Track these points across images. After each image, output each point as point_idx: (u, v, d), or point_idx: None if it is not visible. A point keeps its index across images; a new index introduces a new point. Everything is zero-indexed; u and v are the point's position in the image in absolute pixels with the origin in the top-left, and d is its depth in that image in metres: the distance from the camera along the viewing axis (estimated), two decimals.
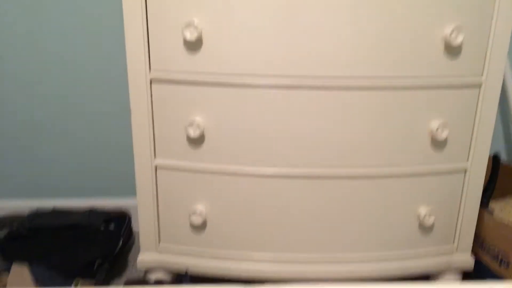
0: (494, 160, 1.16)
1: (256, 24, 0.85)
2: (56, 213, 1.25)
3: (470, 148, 0.97)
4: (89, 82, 1.29)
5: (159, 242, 1.05)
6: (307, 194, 0.96)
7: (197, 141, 0.94)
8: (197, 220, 0.98)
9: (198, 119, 0.91)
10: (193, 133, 0.91)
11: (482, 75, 0.91)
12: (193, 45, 0.87)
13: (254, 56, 0.87)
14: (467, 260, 1.05)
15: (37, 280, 1.06)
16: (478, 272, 1.08)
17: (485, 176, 1.00)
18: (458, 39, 0.85)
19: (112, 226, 1.22)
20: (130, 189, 1.31)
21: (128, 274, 1.20)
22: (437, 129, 0.91)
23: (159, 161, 0.97)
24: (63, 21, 1.23)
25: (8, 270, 1.09)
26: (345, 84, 0.88)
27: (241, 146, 0.93)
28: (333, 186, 0.95)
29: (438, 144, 0.95)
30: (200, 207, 0.99)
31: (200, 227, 1.01)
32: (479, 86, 0.92)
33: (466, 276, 1.09)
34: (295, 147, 0.93)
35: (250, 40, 0.86)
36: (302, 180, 0.95)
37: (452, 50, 0.88)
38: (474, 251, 1.07)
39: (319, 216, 0.98)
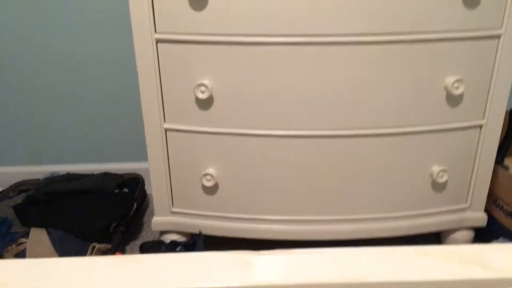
0: (511, 116, 1.13)
1: None
2: (71, 177, 1.27)
3: (486, 104, 0.94)
4: (99, 49, 1.27)
5: (172, 205, 1.06)
6: (318, 154, 0.95)
7: (206, 103, 0.93)
8: (209, 183, 0.99)
9: (206, 81, 0.90)
10: (202, 95, 0.90)
11: (501, 27, 0.87)
12: (199, 3, 0.84)
13: (261, 14, 0.84)
14: (480, 218, 1.05)
15: (55, 243, 1.09)
16: (490, 228, 1.07)
17: (501, 132, 0.97)
18: None
19: (126, 190, 1.24)
20: (142, 154, 1.32)
21: (143, 236, 1.22)
22: (453, 84, 0.88)
23: (168, 124, 0.96)
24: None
25: (26, 234, 1.12)
26: (355, 40, 0.85)
27: (250, 107, 0.92)
28: (345, 146, 0.94)
29: (453, 100, 0.92)
30: (211, 170, 0.99)
31: (211, 190, 1.02)
32: (497, 37, 0.88)
33: (478, 232, 1.09)
34: (304, 107, 0.91)
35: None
36: (312, 140, 0.94)
37: (471, 1, 0.84)
38: (487, 208, 1.06)
39: (330, 177, 0.97)
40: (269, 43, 0.86)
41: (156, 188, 1.04)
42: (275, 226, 1.03)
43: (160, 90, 0.93)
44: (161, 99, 0.93)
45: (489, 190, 1.03)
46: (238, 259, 0.38)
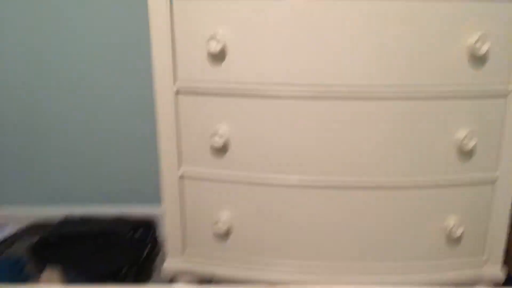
0: None
1: (278, 36, 0.86)
2: (85, 220, 1.29)
3: (498, 157, 0.94)
4: (118, 95, 1.33)
5: (184, 249, 1.06)
6: (331, 203, 0.96)
7: (221, 151, 0.95)
8: (221, 228, 0.99)
9: (222, 129, 0.93)
10: (217, 142, 0.92)
11: (509, 82, 0.89)
12: (217, 57, 0.89)
13: (276, 67, 0.88)
14: (498, 273, 1.02)
15: (69, 284, 1.10)
16: (510, 285, 1.04)
17: None
18: (483, 49, 0.84)
19: (138, 234, 1.25)
20: (156, 198, 1.34)
21: (155, 280, 1.22)
22: (464, 138, 0.89)
23: (184, 170, 0.98)
24: (88, 31, 1.28)
25: (40, 274, 1.13)
26: (367, 94, 0.88)
27: (264, 155, 0.94)
28: (357, 196, 0.95)
29: (465, 153, 0.93)
30: (224, 215, 1.00)
31: (224, 235, 1.02)
32: (506, 95, 0.90)
33: None
34: (318, 157, 0.93)
35: (272, 52, 0.87)
36: (325, 190, 0.95)
37: (478, 59, 0.87)
38: (507, 263, 1.03)
39: (343, 226, 0.97)
40: (283, 95, 0.89)
41: (169, 233, 1.05)
42: (288, 273, 1.02)
43: (177, 138, 0.96)
44: (178, 146, 0.97)
45: (507, 245, 1.01)
46: None
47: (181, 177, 0.99)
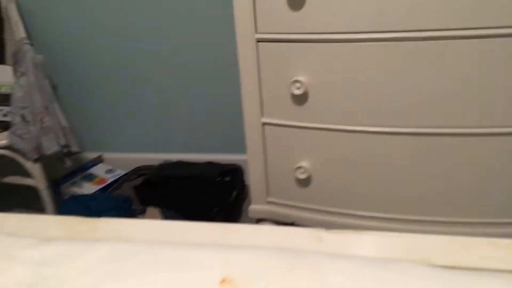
0: None
1: None
2: (181, 164, 1.42)
3: None
4: (203, 51, 1.40)
5: (267, 195, 1.13)
6: (413, 153, 0.93)
7: (301, 99, 0.97)
8: (302, 175, 1.03)
9: (302, 77, 0.94)
10: (297, 91, 0.94)
11: None
12: (297, 3, 0.89)
13: (358, 12, 0.85)
14: None
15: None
16: None
17: None
18: None
19: (227, 178, 1.35)
20: (243, 147, 1.42)
21: (242, 222, 1.31)
22: None
23: (266, 118, 1.03)
24: None
25: (143, 212, 1.29)
26: (456, 34, 0.82)
27: (344, 103, 0.94)
28: (442, 145, 0.91)
29: None
30: (305, 163, 1.03)
31: (305, 182, 1.06)
32: None
33: None
34: (400, 104, 0.90)
35: None
36: (407, 138, 0.93)
37: None
38: None
39: (426, 176, 0.95)
40: (364, 39, 0.87)
41: (253, 179, 1.12)
42: (365, 223, 1.03)
43: (259, 87, 0.99)
44: (260, 95, 1.00)
45: None
46: (312, 234, 0.42)
47: (263, 125, 1.04)
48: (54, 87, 1.44)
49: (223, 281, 0.28)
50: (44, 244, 0.33)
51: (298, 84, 0.94)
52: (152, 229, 0.46)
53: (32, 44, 1.25)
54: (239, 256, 0.31)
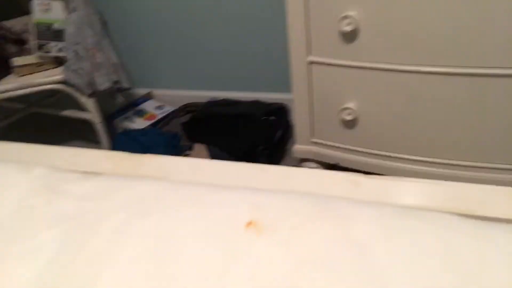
0: None
1: None
2: (227, 102, 1.43)
3: None
4: None
5: (312, 135, 1.12)
6: (467, 95, 0.87)
7: (350, 37, 0.92)
8: (349, 116, 1.00)
9: (352, 13, 0.89)
10: (347, 27, 0.89)
11: None
12: None
13: None
14: None
15: (213, 157, 1.27)
16: None
17: None
18: None
19: (272, 117, 1.34)
20: (289, 86, 1.40)
21: (286, 162, 1.33)
22: None
23: (313, 57, 0.99)
24: None
25: (190, 148, 1.33)
26: None
27: (396, 42, 0.88)
28: (500, 88, 0.84)
29: None
30: (352, 104, 1.00)
31: (351, 124, 1.04)
32: None
33: None
34: (454, 43, 0.83)
35: None
36: (461, 79, 0.86)
37: None
38: None
39: (480, 120, 0.89)
40: None
41: (298, 118, 1.10)
42: (410, 166, 1.01)
43: (306, 24, 0.95)
44: (307, 32, 0.96)
45: None
46: (349, 178, 0.42)
47: (310, 64, 1.00)
48: (105, 23, 1.46)
49: (249, 223, 0.29)
50: (86, 179, 0.35)
51: (348, 20, 0.89)
52: (192, 167, 0.47)
53: None
54: (267, 200, 0.31)
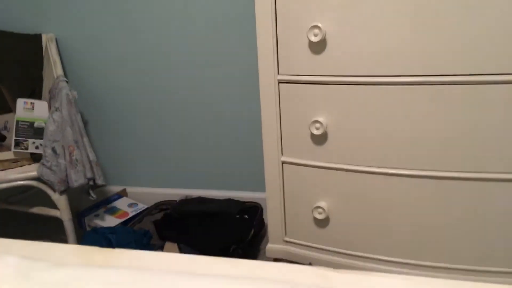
0: None
1: (377, 23, 0.86)
2: (201, 200, 1.43)
3: None
4: (225, 90, 1.44)
5: (285, 234, 1.12)
6: (432, 197, 0.92)
7: (320, 140, 0.99)
8: (320, 215, 1.03)
9: (321, 118, 0.96)
10: (316, 131, 0.96)
11: None
12: (317, 47, 0.92)
13: (375, 56, 0.87)
14: None
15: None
16: None
17: None
18: None
19: (246, 216, 1.35)
20: (262, 185, 1.43)
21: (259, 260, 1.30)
22: None
23: (285, 157, 1.04)
24: (194, 25, 1.41)
25: (161, 247, 1.30)
26: (472, 80, 0.83)
27: (363, 145, 0.94)
28: (463, 190, 0.90)
29: None
30: (323, 203, 1.03)
31: (323, 223, 1.05)
32: None
33: None
34: (419, 147, 0.90)
35: (371, 40, 0.87)
36: (425, 181, 0.92)
37: None
38: None
39: (446, 221, 0.93)
40: (384, 83, 0.89)
41: (271, 217, 1.12)
42: (382, 267, 1.01)
43: (279, 126, 1.02)
44: (280, 134, 1.02)
45: None
46: (318, 273, 0.42)
47: (283, 164, 1.05)
48: (85, 123, 1.51)
49: None
50: (58, 267, 0.35)
51: (317, 125, 0.96)
52: (163, 261, 0.47)
53: (67, 81, 1.33)
54: (240, 287, 0.32)
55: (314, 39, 0.89)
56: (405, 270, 0.99)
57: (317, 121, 0.95)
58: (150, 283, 0.32)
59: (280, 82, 0.98)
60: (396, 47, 0.85)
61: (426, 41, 0.83)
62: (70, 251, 0.50)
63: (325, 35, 0.90)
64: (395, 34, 0.85)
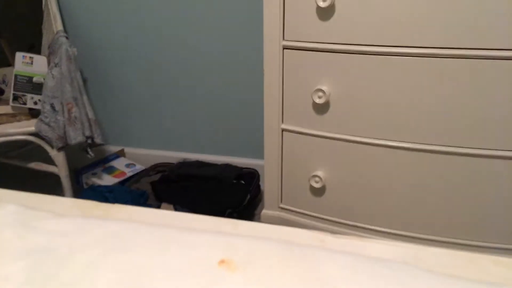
0: None
1: None
2: (199, 164, 1.44)
3: None
4: (228, 56, 1.42)
5: (281, 201, 1.13)
6: (431, 170, 0.93)
7: (322, 109, 0.98)
8: (317, 184, 1.03)
9: (325, 86, 0.95)
10: (319, 100, 0.95)
11: None
12: (325, 13, 0.90)
13: (384, 25, 0.86)
14: None
15: None
16: None
17: None
18: None
19: (242, 182, 1.36)
20: (260, 152, 1.43)
21: None
22: None
23: (285, 125, 1.04)
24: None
25: (158, 207, 1.31)
26: (483, 54, 0.82)
27: (365, 116, 0.94)
28: (463, 165, 0.90)
29: None
30: (320, 173, 1.03)
31: (319, 192, 1.06)
32: None
33: None
34: (421, 120, 0.90)
35: (380, 9, 0.85)
36: (426, 155, 0.92)
37: None
38: None
39: (442, 194, 0.94)
40: (392, 53, 0.87)
41: (268, 184, 1.13)
42: (377, 238, 1.02)
43: (281, 93, 1.01)
44: (281, 101, 1.02)
45: None
46: (316, 236, 0.43)
47: (283, 131, 1.05)
48: (85, 80, 1.49)
49: (222, 262, 0.29)
50: (59, 217, 0.35)
51: (320, 93, 0.95)
52: (162, 218, 0.47)
53: (67, 37, 1.30)
54: (240, 242, 0.32)
55: (322, 4, 0.87)
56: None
57: (320, 90, 0.94)
58: (152, 235, 0.33)
59: (284, 48, 0.97)
60: (407, 17, 0.84)
61: (439, 13, 0.81)
62: (70, 204, 0.51)
63: (334, 0, 0.87)
64: (407, 2, 0.83)
